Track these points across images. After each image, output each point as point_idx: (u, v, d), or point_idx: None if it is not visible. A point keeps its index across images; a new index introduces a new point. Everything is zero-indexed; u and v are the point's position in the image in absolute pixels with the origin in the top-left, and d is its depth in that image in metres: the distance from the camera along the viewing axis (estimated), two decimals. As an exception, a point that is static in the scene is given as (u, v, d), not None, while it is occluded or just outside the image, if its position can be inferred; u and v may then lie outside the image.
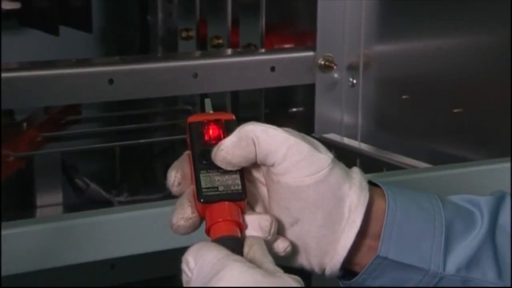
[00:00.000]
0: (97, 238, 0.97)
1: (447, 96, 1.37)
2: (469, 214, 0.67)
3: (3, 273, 0.90)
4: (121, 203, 1.51)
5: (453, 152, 1.36)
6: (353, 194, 0.65)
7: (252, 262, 0.58)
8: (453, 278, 0.65)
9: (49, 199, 1.47)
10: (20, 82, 1.29)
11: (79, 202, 1.51)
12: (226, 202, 0.62)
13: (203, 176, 0.63)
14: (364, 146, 1.42)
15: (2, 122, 1.43)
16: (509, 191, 0.67)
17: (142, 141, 1.55)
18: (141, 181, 1.63)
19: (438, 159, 1.33)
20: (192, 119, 0.67)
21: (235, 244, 0.59)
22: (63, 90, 1.32)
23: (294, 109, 1.53)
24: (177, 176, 0.65)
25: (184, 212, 0.64)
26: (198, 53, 1.58)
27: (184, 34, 1.67)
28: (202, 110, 1.60)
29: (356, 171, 0.66)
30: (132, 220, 0.98)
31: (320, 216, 0.64)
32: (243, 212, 0.63)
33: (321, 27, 1.44)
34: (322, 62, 1.44)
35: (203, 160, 0.64)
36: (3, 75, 1.26)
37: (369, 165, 1.34)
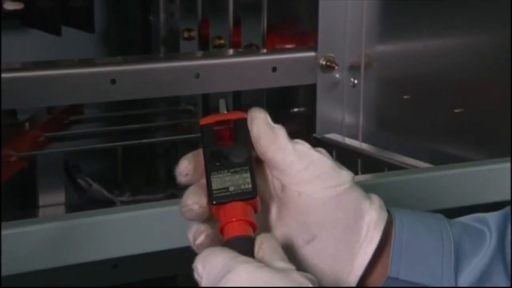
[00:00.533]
0: (99, 238, 0.96)
1: (447, 96, 1.37)
2: (477, 232, 0.67)
3: (5, 273, 0.89)
4: (123, 203, 1.51)
5: (454, 152, 1.35)
6: (373, 211, 0.64)
7: (262, 261, 0.57)
8: None
9: (51, 199, 1.47)
10: (23, 82, 1.29)
11: (81, 202, 1.50)
12: (239, 202, 0.62)
13: (214, 178, 0.63)
14: (365, 146, 1.42)
15: (4, 122, 1.42)
16: (509, 191, 0.67)
17: (144, 141, 1.54)
18: (143, 181, 1.63)
19: (438, 159, 1.32)
20: (203, 121, 0.66)
21: (248, 244, 0.59)
22: (65, 90, 1.31)
23: (296, 109, 1.53)
24: (188, 167, 0.65)
25: (199, 199, 0.63)
26: (200, 53, 1.58)
27: (186, 35, 1.66)
28: (205, 110, 1.60)
29: (376, 195, 0.66)
30: (134, 220, 0.98)
31: (339, 231, 0.64)
32: (256, 211, 0.62)
33: (323, 27, 1.43)
34: (324, 63, 1.44)
35: (214, 162, 0.63)
36: (5, 75, 1.26)
37: (370, 165, 1.34)
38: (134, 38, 1.70)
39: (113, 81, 1.32)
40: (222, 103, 0.68)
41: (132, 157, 1.62)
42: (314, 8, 1.45)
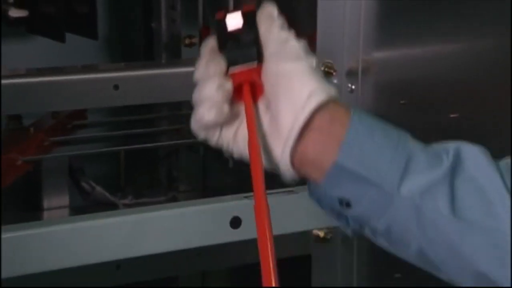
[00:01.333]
0: (103, 240, 0.97)
1: (445, 101, 1.37)
2: (436, 154, 0.68)
3: (9, 275, 0.90)
4: (126, 205, 1.51)
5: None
6: (321, 91, 0.68)
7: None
8: (405, 203, 0.65)
9: (55, 202, 1.48)
10: (28, 88, 1.29)
11: (85, 205, 1.51)
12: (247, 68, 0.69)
13: (226, 54, 0.70)
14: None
15: (10, 127, 1.43)
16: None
17: (146, 145, 1.55)
18: (146, 184, 1.63)
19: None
20: (218, 15, 0.72)
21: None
22: (69, 95, 1.32)
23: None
24: (211, 42, 0.70)
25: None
26: (200, 59, 1.58)
27: (187, 41, 1.67)
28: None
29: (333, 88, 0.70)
30: (137, 223, 0.98)
31: (283, 98, 0.68)
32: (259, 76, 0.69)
33: (321, 33, 1.44)
34: (322, 68, 1.44)
35: (226, 43, 0.70)
36: (11, 81, 1.27)
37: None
38: (136, 44, 1.71)
39: (116, 87, 1.33)
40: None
41: (134, 160, 1.62)
42: (312, 15, 1.45)
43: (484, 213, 0.64)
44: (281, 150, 0.67)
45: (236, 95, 0.70)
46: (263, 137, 0.68)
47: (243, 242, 1.01)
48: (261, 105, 0.70)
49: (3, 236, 0.90)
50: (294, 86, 0.67)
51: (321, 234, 1.43)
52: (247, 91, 0.69)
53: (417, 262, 0.69)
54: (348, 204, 0.66)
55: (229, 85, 0.69)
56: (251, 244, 1.06)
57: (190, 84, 1.41)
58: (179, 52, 1.67)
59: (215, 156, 1.56)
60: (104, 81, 1.33)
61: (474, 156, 0.68)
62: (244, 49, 0.70)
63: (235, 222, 1.00)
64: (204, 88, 0.69)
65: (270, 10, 0.71)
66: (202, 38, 1.60)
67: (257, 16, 0.71)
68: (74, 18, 1.45)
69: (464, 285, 0.67)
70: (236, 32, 0.70)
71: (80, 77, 1.33)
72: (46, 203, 1.47)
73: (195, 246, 1.00)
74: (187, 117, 1.60)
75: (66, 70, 1.37)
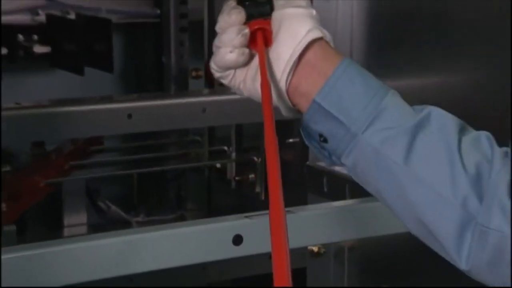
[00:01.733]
0: (117, 255, 0.96)
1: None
2: (408, 111, 0.68)
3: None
4: (138, 223, 1.51)
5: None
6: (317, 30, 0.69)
7: None
8: (367, 147, 0.66)
9: (75, 220, 1.48)
10: (50, 117, 1.29)
11: (101, 222, 1.51)
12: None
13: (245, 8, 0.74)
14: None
15: (34, 153, 1.43)
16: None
17: (156, 168, 1.55)
18: (156, 203, 1.63)
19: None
20: None
21: None
22: (87, 124, 1.32)
23: (291, 140, 1.52)
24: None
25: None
26: (206, 90, 1.59)
27: (194, 74, 1.67)
28: (211, 141, 1.60)
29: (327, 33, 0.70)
30: (148, 240, 0.97)
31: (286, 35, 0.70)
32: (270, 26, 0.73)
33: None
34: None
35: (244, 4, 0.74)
36: (35, 111, 1.27)
37: (357, 189, 1.33)
38: (148, 77, 1.71)
39: (129, 116, 1.33)
40: None
41: (146, 182, 1.62)
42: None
43: (432, 170, 0.65)
44: (279, 79, 0.69)
45: (251, 41, 0.74)
46: (270, 73, 0.71)
47: (244, 257, 1.00)
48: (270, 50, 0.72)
49: (28, 252, 0.90)
50: (294, 24, 0.70)
51: (315, 249, 1.43)
52: (260, 37, 0.73)
53: (377, 199, 0.70)
54: (325, 140, 0.69)
55: (247, 31, 0.71)
56: (251, 259, 1.06)
57: (196, 113, 1.41)
58: (186, 84, 1.67)
59: (219, 178, 1.56)
60: (119, 111, 1.33)
61: (442, 118, 0.68)
62: (259, 7, 0.75)
63: (237, 240, 0.99)
64: (226, 33, 0.71)
65: None
66: (208, 71, 1.60)
67: None
68: (92, 54, 1.45)
69: (408, 228, 0.68)
70: None
71: (97, 107, 1.33)
72: (66, 221, 1.47)
73: (201, 262, 0.99)
74: (193, 143, 1.61)
75: (84, 100, 1.36)
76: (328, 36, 0.70)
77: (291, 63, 0.68)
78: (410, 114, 0.67)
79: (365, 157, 0.67)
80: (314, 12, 0.71)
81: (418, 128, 0.66)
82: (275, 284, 0.56)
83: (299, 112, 0.70)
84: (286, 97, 0.70)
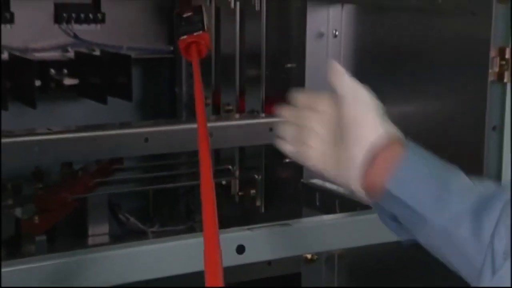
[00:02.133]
0: (136, 263, 0.96)
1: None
2: (472, 186, 0.67)
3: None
4: (153, 233, 1.51)
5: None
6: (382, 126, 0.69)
7: None
8: (437, 228, 0.65)
9: (98, 230, 1.48)
10: (77, 140, 1.30)
11: (121, 232, 1.51)
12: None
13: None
14: (341, 189, 1.41)
15: (63, 172, 1.44)
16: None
17: (170, 185, 1.56)
18: (169, 215, 1.63)
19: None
20: (176, 12, 0.88)
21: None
22: (109, 146, 1.33)
23: (287, 160, 1.53)
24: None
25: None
26: (213, 116, 1.60)
27: (202, 102, 1.67)
28: (217, 161, 1.60)
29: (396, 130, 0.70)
30: (162, 249, 0.98)
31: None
32: (207, 43, 0.83)
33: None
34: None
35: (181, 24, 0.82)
36: (64, 136, 1.28)
37: (345, 204, 1.34)
38: (162, 105, 1.72)
39: (146, 139, 1.34)
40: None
41: (160, 197, 1.62)
42: (301, 80, 1.47)
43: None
44: (353, 177, 0.68)
45: (187, 52, 0.82)
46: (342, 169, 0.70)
47: (246, 264, 1.01)
48: (334, 132, 0.71)
49: (58, 260, 0.91)
50: (366, 130, 0.69)
51: (309, 256, 1.44)
52: (194, 49, 0.79)
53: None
54: (395, 218, 0.68)
55: None
56: (253, 266, 1.06)
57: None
58: (196, 111, 1.67)
59: (224, 194, 1.56)
60: (137, 135, 1.34)
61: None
62: (193, 25, 0.84)
63: (240, 249, 1.00)
64: None
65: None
66: (215, 99, 1.61)
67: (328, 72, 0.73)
68: (114, 85, 1.46)
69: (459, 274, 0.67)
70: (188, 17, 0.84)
71: (118, 132, 1.34)
72: (90, 231, 1.48)
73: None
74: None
75: (107, 126, 1.38)
76: (396, 134, 0.69)
77: (363, 170, 0.68)
78: (472, 191, 0.67)
79: (435, 235, 0.66)
80: (381, 107, 0.70)
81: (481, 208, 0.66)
82: (207, 284, 0.55)
83: (373, 197, 0.69)
84: (362, 192, 0.69)
